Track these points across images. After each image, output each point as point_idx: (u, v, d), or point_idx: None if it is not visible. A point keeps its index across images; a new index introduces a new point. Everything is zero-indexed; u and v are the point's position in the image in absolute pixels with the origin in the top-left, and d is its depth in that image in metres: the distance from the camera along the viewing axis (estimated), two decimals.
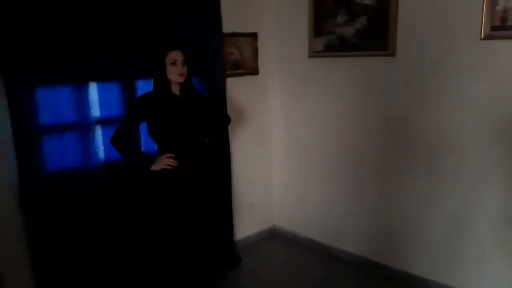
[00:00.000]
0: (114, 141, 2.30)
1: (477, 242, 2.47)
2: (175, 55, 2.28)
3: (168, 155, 2.30)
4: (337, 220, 3.23)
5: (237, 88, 3.22)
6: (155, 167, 2.29)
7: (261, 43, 3.33)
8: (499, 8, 2.16)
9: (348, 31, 2.83)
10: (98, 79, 2.47)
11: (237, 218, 3.40)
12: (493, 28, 2.19)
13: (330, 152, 3.16)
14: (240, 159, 3.34)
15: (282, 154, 3.55)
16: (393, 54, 2.63)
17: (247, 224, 3.52)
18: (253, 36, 3.30)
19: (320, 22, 3.00)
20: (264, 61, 3.38)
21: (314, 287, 2.89)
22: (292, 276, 3.08)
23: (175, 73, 2.27)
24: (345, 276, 2.99)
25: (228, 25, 3.06)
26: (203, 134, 2.45)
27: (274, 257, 3.37)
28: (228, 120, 2.77)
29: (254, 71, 3.37)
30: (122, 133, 2.31)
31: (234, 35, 3.16)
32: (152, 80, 2.36)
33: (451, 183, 2.52)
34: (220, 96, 3.00)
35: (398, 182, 2.78)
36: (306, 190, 3.42)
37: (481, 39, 2.24)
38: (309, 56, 3.12)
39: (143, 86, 2.61)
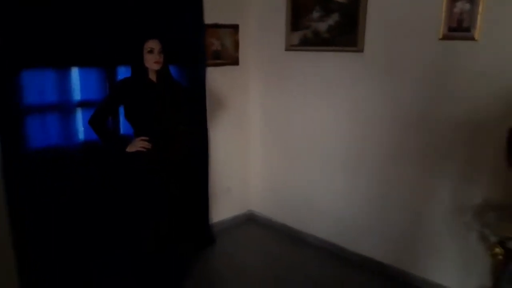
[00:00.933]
0: (92, 122, 2.44)
1: (433, 231, 2.64)
2: (153, 44, 2.41)
3: (143, 138, 2.45)
4: (308, 206, 3.40)
5: (217, 78, 3.36)
6: (130, 149, 2.44)
7: (242, 35, 3.46)
8: (456, 10, 2.30)
9: (322, 26, 2.97)
10: (80, 64, 2.59)
11: (214, 202, 3.55)
12: (451, 29, 2.34)
13: (304, 140, 3.32)
14: (218, 145, 3.49)
15: (260, 142, 3.70)
16: (361, 50, 2.77)
17: (224, 208, 3.68)
18: (234, 28, 3.43)
19: (297, 17, 3.14)
20: (245, 52, 3.51)
21: (282, 268, 3.06)
22: (263, 257, 3.26)
23: (152, 61, 2.41)
24: (313, 259, 3.18)
25: (211, 17, 3.18)
26: (178, 120, 2.60)
27: (248, 240, 3.54)
28: (203, 109, 2.91)
29: (235, 62, 3.50)
30: (100, 115, 2.45)
31: (215, 26, 3.28)
32: (131, 66, 2.51)
33: (407, 176, 2.69)
34: (198, 86, 3.13)
35: (366, 170, 2.95)
36: (281, 176, 3.58)
37: (439, 39, 2.40)
38: (286, 49, 3.27)
39: (123, 72, 2.74)
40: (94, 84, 2.68)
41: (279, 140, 3.54)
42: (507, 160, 1.91)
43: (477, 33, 2.25)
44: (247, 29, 3.47)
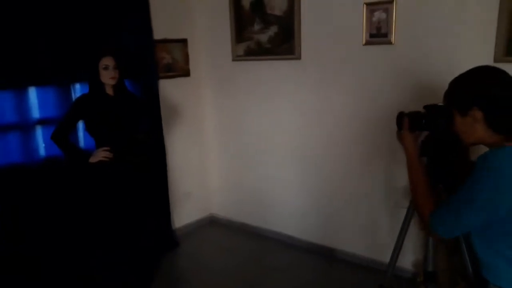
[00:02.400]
0: (54, 137, 2.60)
1: (374, 216, 2.99)
2: (107, 61, 2.61)
3: (104, 148, 2.63)
4: (263, 203, 3.66)
5: (170, 89, 3.57)
6: (92, 159, 2.61)
7: (191, 48, 3.70)
8: (374, 19, 2.67)
9: (263, 37, 3.28)
10: (37, 83, 2.73)
11: (176, 207, 3.75)
12: (371, 36, 2.71)
13: (255, 142, 3.59)
14: (176, 152, 3.69)
15: (215, 147, 3.94)
16: (299, 58, 3.10)
17: (186, 213, 3.88)
18: (183, 42, 3.66)
19: (241, 29, 3.42)
20: (195, 64, 3.74)
21: (242, 262, 3.30)
22: (224, 254, 3.48)
23: (108, 77, 2.60)
24: (270, 251, 3.44)
25: (160, 32, 3.40)
26: (135, 130, 2.80)
27: (210, 241, 3.75)
28: (157, 118, 3.13)
29: (186, 73, 3.72)
30: (62, 130, 2.61)
31: (165, 41, 3.50)
32: (88, 83, 2.69)
33: (347, 168, 3.03)
34: (152, 97, 3.34)
35: (310, 165, 3.26)
36: (238, 178, 3.83)
37: (363, 44, 2.76)
38: (233, 60, 3.54)
39: (80, 89, 2.90)
40: (52, 102, 2.83)
41: (233, 144, 3.80)
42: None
43: (393, 38, 2.62)
44: (195, 42, 3.71)
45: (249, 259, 3.35)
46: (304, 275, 3.07)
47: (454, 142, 1.38)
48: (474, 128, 1.27)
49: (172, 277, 3.15)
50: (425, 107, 1.46)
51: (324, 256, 3.27)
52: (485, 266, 1.28)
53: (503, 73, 1.26)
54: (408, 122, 1.45)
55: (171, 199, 3.66)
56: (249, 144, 3.66)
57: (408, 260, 2.82)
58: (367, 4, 2.67)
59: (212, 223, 4.08)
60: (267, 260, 3.31)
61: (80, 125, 2.81)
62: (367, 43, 2.73)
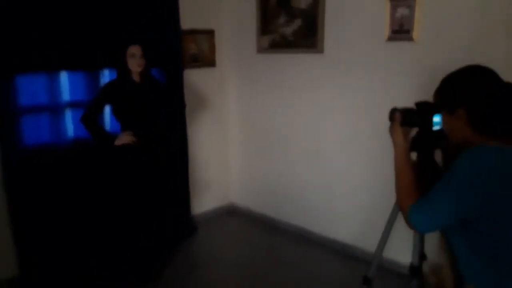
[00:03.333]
0: (83, 120, 2.75)
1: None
2: (134, 49, 2.73)
3: (129, 132, 2.76)
4: (282, 196, 3.72)
5: (196, 78, 3.67)
6: (117, 142, 2.75)
7: (217, 39, 3.77)
8: (397, 15, 2.66)
9: (288, 30, 3.31)
10: (68, 68, 2.87)
11: (196, 194, 3.86)
12: (394, 32, 2.70)
13: (276, 135, 3.64)
14: (199, 141, 3.79)
15: (238, 137, 4.02)
16: (321, 51, 3.12)
17: (205, 200, 3.98)
18: (210, 33, 3.74)
19: (266, 22, 3.47)
20: (221, 54, 3.82)
21: (257, 252, 3.37)
22: (240, 243, 3.57)
23: (134, 64, 2.73)
24: (285, 243, 3.50)
25: (188, 23, 3.50)
26: (158, 116, 2.91)
27: (227, 229, 3.84)
28: (181, 106, 3.23)
29: (212, 64, 3.81)
30: (90, 113, 2.76)
31: (192, 32, 3.60)
32: (116, 69, 2.82)
33: (367, 162, 3.03)
34: (177, 85, 3.44)
35: (332, 159, 3.28)
36: (258, 169, 3.90)
37: (385, 40, 2.75)
38: (257, 52, 3.60)
39: (108, 75, 3.04)
40: (82, 86, 2.97)
41: (255, 135, 3.86)
42: None
43: (415, 35, 2.60)
44: (222, 33, 3.79)
45: (263, 250, 3.41)
46: (314, 269, 3.11)
47: (442, 139, 1.39)
48: (459, 127, 1.28)
49: (187, 262, 3.25)
50: (416, 103, 1.48)
51: (337, 252, 3.29)
52: (462, 263, 1.29)
53: (490, 72, 1.26)
54: (399, 117, 1.47)
55: (192, 186, 3.77)
56: (271, 137, 3.71)
57: (398, 253, 2.82)
58: (391, 0, 2.66)
59: (231, 211, 4.16)
60: (280, 252, 3.37)
61: (107, 109, 2.94)
62: (390, 39, 2.73)
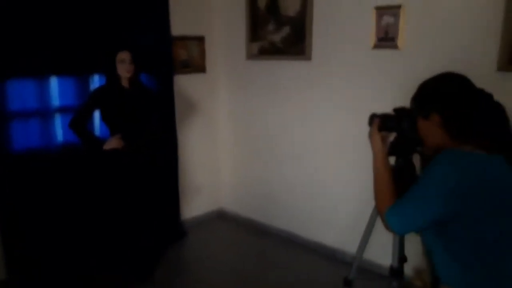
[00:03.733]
0: (72, 124, 2.77)
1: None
2: (124, 55, 2.76)
3: (118, 136, 2.78)
4: (270, 201, 3.75)
5: (186, 84, 3.70)
6: (106, 146, 2.77)
7: (208, 45, 3.81)
8: (383, 23, 2.72)
9: (276, 37, 3.36)
10: (58, 73, 2.90)
11: (186, 199, 3.88)
12: (379, 39, 2.75)
13: (265, 140, 3.68)
14: (189, 146, 3.82)
15: (228, 143, 4.05)
16: (309, 58, 3.17)
17: (195, 205, 4.00)
18: (200, 39, 3.78)
19: (256, 29, 3.52)
20: (211, 61, 3.86)
21: (246, 256, 3.40)
22: (229, 248, 3.61)
23: (123, 70, 2.76)
24: (273, 247, 3.53)
25: (178, 29, 3.54)
26: (147, 122, 2.94)
27: (217, 233, 3.86)
28: (171, 111, 3.27)
29: (202, 70, 3.84)
30: (79, 118, 2.78)
31: (183, 38, 3.63)
32: (105, 75, 2.84)
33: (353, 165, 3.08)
34: (167, 91, 3.47)
35: (318, 163, 3.32)
36: (247, 174, 3.93)
37: (371, 48, 2.81)
38: (247, 58, 3.64)
39: (98, 80, 3.06)
40: (72, 91, 2.99)
41: (245, 141, 3.90)
42: None
43: (400, 42, 2.66)
44: (212, 40, 3.83)
45: (252, 254, 3.44)
46: (303, 273, 3.14)
47: (418, 144, 1.44)
48: (434, 132, 1.33)
49: (176, 266, 3.27)
50: (394, 109, 1.52)
51: (325, 256, 3.33)
52: (438, 264, 1.33)
53: (464, 79, 1.32)
54: (377, 122, 1.51)
55: (182, 191, 3.79)
56: (260, 142, 3.75)
57: (381, 256, 2.86)
58: (377, 8, 2.72)
59: (220, 216, 4.19)
60: (269, 256, 3.40)
61: (97, 114, 2.96)
62: (376, 46, 2.78)
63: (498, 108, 1.29)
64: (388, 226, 1.34)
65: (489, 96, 1.31)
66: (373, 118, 1.54)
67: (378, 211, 1.40)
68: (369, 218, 1.95)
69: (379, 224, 2.25)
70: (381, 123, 1.51)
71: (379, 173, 1.44)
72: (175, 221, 3.72)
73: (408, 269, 2.55)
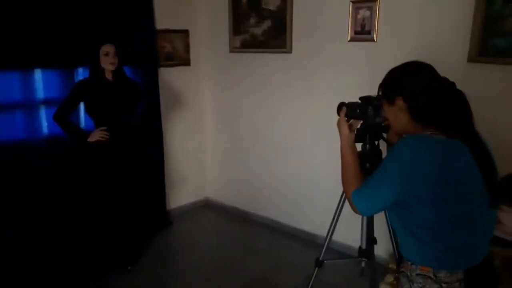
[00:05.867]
0: (56, 117, 2.82)
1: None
2: (108, 48, 2.81)
3: (102, 128, 2.84)
4: (254, 190, 3.85)
5: (171, 77, 3.76)
6: (91, 138, 2.83)
7: (192, 39, 3.87)
8: (359, 17, 2.81)
9: (258, 31, 3.44)
10: (42, 66, 2.93)
11: (172, 189, 3.96)
12: (356, 33, 2.85)
13: (249, 131, 3.77)
14: (175, 138, 3.89)
15: (213, 134, 4.13)
16: (290, 51, 3.25)
17: (182, 195, 4.09)
18: (185, 32, 3.84)
19: (238, 22, 3.59)
20: (195, 54, 3.92)
21: (229, 243, 3.51)
22: (213, 235, 3.70)
23: (107, 62, 2.81)
24: (255, 234, 3.65)
25: (163, 23, 3.59)
26: (131, 114, 3.00)
27: (202, 222, 3.96)
28: (156, 103, 3.32)
29: (186, 63, 3.90)
30: (63, 111, 2.83)
31: (167, 31, 3.69)
32: (89, 68, 2.90)
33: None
34: (152, 84, 3.53)
35: (303, 157, 3.42)
36: (232, 165, 4.02)
37: (348, 40, 2.90)
38: (230, 51, 3.71)
39: (82, 73, 3.11)
40: (56, 84, 3.04)
41: (229, 132, 3.98)
42: None
43: (375, 35, 2.76)
44: (196, 33, 3.89)
45: (235, 240, 3.55)
46: (284, 257, 3.25)
47: (383, 130, 1.52)
48: (399, 117, 1.39)
49: (161, 254, 3.36)
50: (360, 98, 1.61)
51: (306, 241, 3.44)
52: (401, 242, 1.42)
53: (428, 67, 1.39)
54: (344, 110, 1.60)
55: (168, 181, 3.87)
56: (243, 133, 3.84)
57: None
58: (353, 2, 2.81)
59: (206, 206, 4.28)
60: (252, 242, 3.51)
61: (82, 106, 3.01)
62: (352, 39, 2.88)
63: (460, 95, 1.35)
64: (354, 208, 1.42)
65: (452, 84, 1.37)
66: (341, 106, 1.63)
67: (345, 193, 1.48)
68: (338, 202, 2.05)
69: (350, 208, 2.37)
70: (347, 111, 1.59)
71: (345, 158, 1.53)
72: (161, 210, 3.80)
73: (379, 251, 2.69)
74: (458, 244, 1.31)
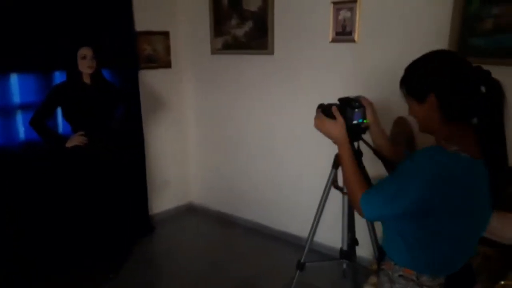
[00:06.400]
0: (32, 122, 2.74)
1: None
2: (85, 51, 2.75)
3: (80, 133, 2.78)
4: (237, 193, 3.81)
5: (151, 79, 3.70)
6: (69, 143, 2.76)
7: (173, 40, 3.82)
8: (340, 18, 2.80)
9: (239, 32, 3.41)
10: (18, 70, 2.86)
11: (155, 194, 3.90)
12: (337, 34, 2.84)
13: (232, 134, 3.74)
14: (157, 141, 3.83)
15: (195, 137, 4.08)
16: (272, 53, 3.23)
17: (165, 199, 4.03)
18: (165, 34, 3.79)
19: (219, 24, 3.55)
20: (176, 56, 3.87)
21: (213, 247, 3.47)
22: (197, 240, 3.65)
23: (85, 66, 2.75)
24: (239, 237, 3.63)
25: (142, 25, 3.53)
26: (110, 118, 2.94)
27: (186, 227, 3.90)
28: (136, 106, 3.26)
29: (167, 65, 3.85)
30: (40, 116, 2.76)
31: (147, 33, 3.63)
32: (66, 71, 2.82)
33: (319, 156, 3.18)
34: (132, 86, 3.47)
35: (285, 159, 3.40)
36: (215, 168, 3.98)
37: (329, 41, 2.89)
38: (212, 53, 3.68)
39: (60, 76, 3.03)
40: (33, 88, 2.95)
41: (211, 135, 3.94)
42: None
43: (356, 36, 2.76)
44: (177, 35, 3.84)
45: (220, 244, 3.51)
46: (269, 260, 3.22)
47: (362, 132, 1.50)
48: (431, 116, 1.24)
49: (144, 259, 3.30)
50: (339, 99, 1.58)
51: (291, 244, 3.42)
52: (387, 241, 1.37)
53: (458, 56, 1.24)
54: (319, 112, 1.54)
55: (150, 186, 3.81)
56: (226, 136, 3.80)
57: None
58: (334, 3, 2.80)
59: (190, 210, 4.22)
60: (237, 246, 3.48)
61: (59, 111, 2.93)
62: (334, 40, 2.87)
63: (496, 87, 1.17)
64: (361, 212, 1.31)
65: (487, 73, 1.18)
66: (329, 107, 1.54)
67: (349, 195, 1.37)
68: (318, 204, 2.04)
69: (334, 209, 2.36)
70: (325, 113, 1.54)
71: (351, 162, 1.41)
72: (143, 216, 3.73)
73: (362, 251, 2.68)
74: (447, 256, 1.28)
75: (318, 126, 1.55)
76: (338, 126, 1.49)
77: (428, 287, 1.28)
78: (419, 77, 1.24)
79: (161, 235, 3.71)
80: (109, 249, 3.11)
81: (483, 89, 1.18)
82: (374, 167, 1.78)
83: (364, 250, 2.74)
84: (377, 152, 1.52)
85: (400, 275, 1.32)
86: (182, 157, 4.13)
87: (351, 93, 1.78)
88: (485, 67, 1.20)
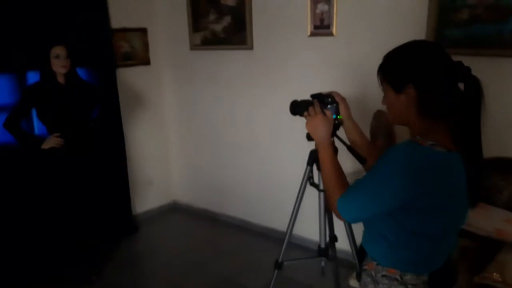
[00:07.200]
0: (6, 125, 2.66)
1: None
2: (59, 50, 2.67)
3: (56, 134, 2.71)
4: (221, 190, 3.78)
5: (130, 77, 3.64)
6: (45, 145, 2.69)
7: (151, 37, 3.75)
8: (318, 11, 2.78)
9: (218, 27, 3.36)
10: None
11: (138, 194, 3.85)
12: (315, 27, 2.82)
13: (214, 130, 3.70)
14: (137, 140, 3.77)
15: (176, 135, 4.03)
16: (251, 48, 3.19)
17: (148, 199, 3.98)
18: (143, 31, 3.72)
19: (197, 19, 3.50)
20: (155, 52, 3.80)
21: (198, 245, 3.44)
22: (182, 238, 3.62)
23: (59, 65, 2.67)
24: (224, 234, 3.60)
25: (118, 22, 3.46)
26: (86, 117, 2.87)
27: (170, 226, 3.87)
28: (115, 105, 3.20)
29: (146, 62, 3.78)
30: (14, 118, 2.68)
31: (124, 30, 3.56)
32: (39, 71, 2.74)
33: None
34: (109, 85, 3.40)
35: (269, 154, 3.38)
36: (198, 165, 3.94)
37: (308, 35, 2.87)
38: (191, 49, 3.62)
39: (33, 77, 2.95)
40: (5, 88, 2.87)
41: (193, 132, 3.89)
42: None
43: (334, 30, 2.74)
44: (155, 31, 3.77)
45: (204, 242, 3.48)
46: (253, 257, 3.21)
47: (335, 128, 1.47)
48: (407, 108, 1.19)
49: (128, 260, 3.26)
50: (311, 95, 1.56)
51: (276, 240, 3.40)
52: (368, 239, 1.34)
53: (441, 48, 1.18)
54: (291, 108, 1.51)
55: (133, 186, 3.75)
56: (207, 132, 3.76)
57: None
58: None
59: (174, 209, 4.18)
60: (221, 243, 3.45)
61: (34, 112, 2.86)
62: (312, 34, 2.85)
63: (475, 85, 1.13)
64: (340, 216, 1.26)
65: (467, 70, 1.14)
66: (308, 104, 1.50)
67: (328, 197, 1.32)
68: (294, 202, 2.02)
69: (315, 204, 2.35)
70: (295, 109, 1.50)
71: (332, 160, 1.36)
72: (126, 216, 3.68)
73: (344, 245, 2.67)
74: (430, 253, 1.26)
75: (317, 125, 1.44)
76: (329, 124, 1.42)
77: (413, 285, 1.26)
78: (399, 64, 1.19)
79: (144, 235, 3.66)
80: (91, 251, 3.06)
81: (461, 86, 1.15)
82: (348, 163, 1.76)
83: (346, 243, 2.74)
84: (351, 148, 1.49)
85: (383, 275, 1.30)
86: (164, 155, 4.08)
87: (331, 86, 1.76)
88: (461, 57, 1.18)
